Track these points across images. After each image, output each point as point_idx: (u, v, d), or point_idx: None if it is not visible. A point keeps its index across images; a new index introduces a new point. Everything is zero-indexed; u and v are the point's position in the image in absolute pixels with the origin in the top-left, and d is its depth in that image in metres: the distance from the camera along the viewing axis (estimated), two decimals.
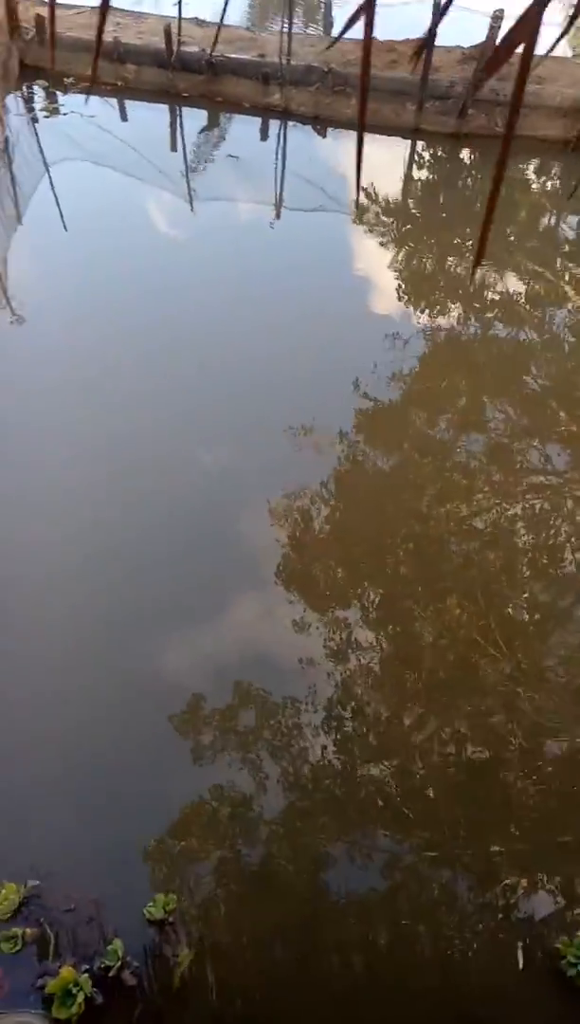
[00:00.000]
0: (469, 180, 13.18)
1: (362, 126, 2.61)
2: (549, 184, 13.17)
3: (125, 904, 4.49)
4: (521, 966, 4.43)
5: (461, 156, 13.41)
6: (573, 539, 6.90)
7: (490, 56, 1.75)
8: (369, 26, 2.31)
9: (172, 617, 6.01)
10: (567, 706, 5.63)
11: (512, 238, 11.49)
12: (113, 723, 5.35)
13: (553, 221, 12.43)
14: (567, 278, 10.80)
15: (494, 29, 11.91)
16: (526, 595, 6.42)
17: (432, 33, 3.20)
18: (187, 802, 4.97)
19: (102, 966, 4.24)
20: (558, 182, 13.10)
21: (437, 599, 6.26)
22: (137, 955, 4.34)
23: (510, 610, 6.28)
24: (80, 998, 4.11)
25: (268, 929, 4.53)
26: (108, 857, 4.72)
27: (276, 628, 6.02)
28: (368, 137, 13.22)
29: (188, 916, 4.51)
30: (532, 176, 13.19)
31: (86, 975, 4.19)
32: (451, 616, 6.14)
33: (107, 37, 13.33)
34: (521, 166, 13.07)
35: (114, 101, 13.77)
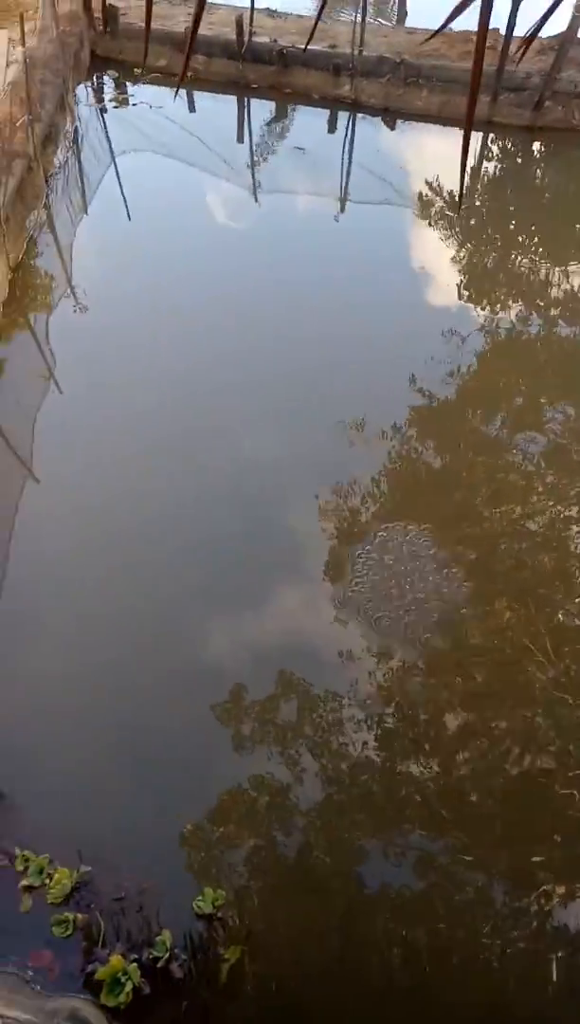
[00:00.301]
0: (539, 173, 12.76)
1: (470, 123, 2.48)
2: None
3: (174, 896, 4.49)
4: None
5: (532, 150, 13.00)
6: None
7: None
8: (485, 15, 2.17)
9: (220, 606, 6.01)
10: None
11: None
12: (167, 713, 5.36)
13: None
14: None
15: (576, 19, 11.47)
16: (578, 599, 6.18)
17: (538, 26, 2.98)
18: (238, 796, 4.95)
19: (151, 957, 4.25)
20: None
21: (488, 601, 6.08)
22: (185, 948, 4.33)
23: (561, 616, 6.06)
24: (128, 987, 4.12)
25: (315, 926, 4.46)
26: (159, 848, 4.73)
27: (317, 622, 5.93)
28: (438, 129, 12.93)
29: (236, 911, 4.47)
30: None
31: (134, 964, 4.20)
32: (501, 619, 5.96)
33: (178, 27, 13.36)
34: None
35: (182, 92, 13.80)
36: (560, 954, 4.41)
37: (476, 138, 12.94)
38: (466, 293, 9.86)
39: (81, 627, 5.82)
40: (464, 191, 12.01)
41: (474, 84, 2.23)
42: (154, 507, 6.76)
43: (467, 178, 12.34)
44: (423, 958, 4.37)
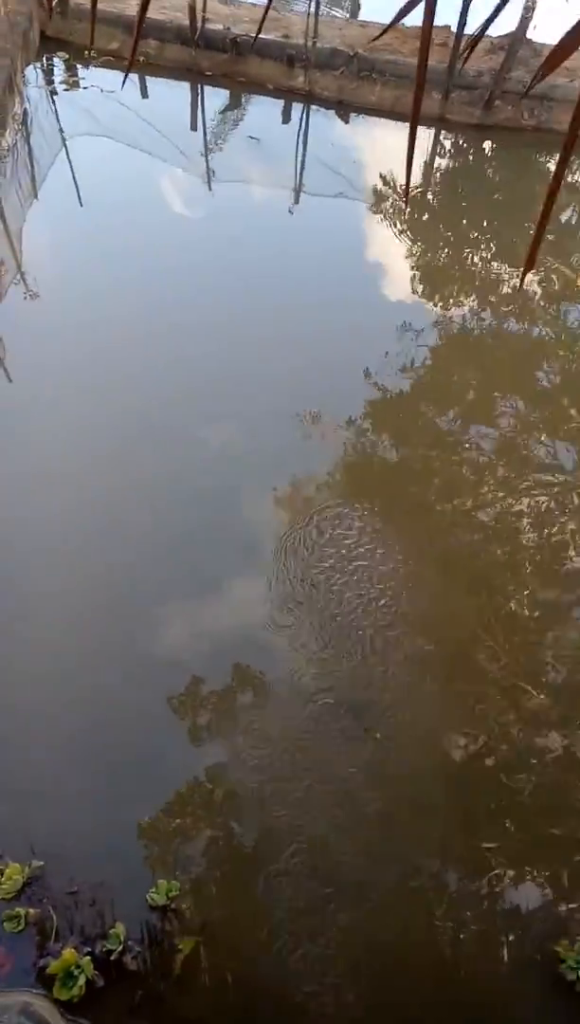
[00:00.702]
0: (490, 171, 13.00)
1: (415, 118, 2.52)
2: (572, 180, 13.00)
3: (128, 889, 4.49)
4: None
5: (483, 147, 13.23)
6: None
7: (551, 53, 1.68)
8: (430, 15, 2.21)
9: (173, 594, 5.99)
10: None
11: (529, 228, 11.35)
12: (118, 704, 5.32)
13: (570, 217, 12.29)
14: None
15: (525, 20, 11.70)
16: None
17: (485, 27, 3.05)
18: (192, 786, 4.96)
19: (104, 949, 4.24)
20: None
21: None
22: (139, 940, 4.34)
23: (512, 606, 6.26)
24: (81, 980, 4.11)
25: (270, 916, 4.52)
26: (112, 841, 4.71)
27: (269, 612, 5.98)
28: (391, 123, 13.04)
29: (191, 903, 4.50)
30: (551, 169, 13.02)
31: (88, 958, 4.19)
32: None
33: (131, 10, 13.10)
34: (543, 158, 12.90)
35: (135, 77, 13.54)
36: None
37: (428, 135, 13.10)
38: (419, 288, 10.00)
39: (33, 610, 5.72)
40: (417, 187, 12.17)
41: (419, 80, 2.27)
42: (107, 502, 6.68)
43: (419, 174, 12.49)
44: (385, 952, 4.47)
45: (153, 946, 4.34)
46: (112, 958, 4.22)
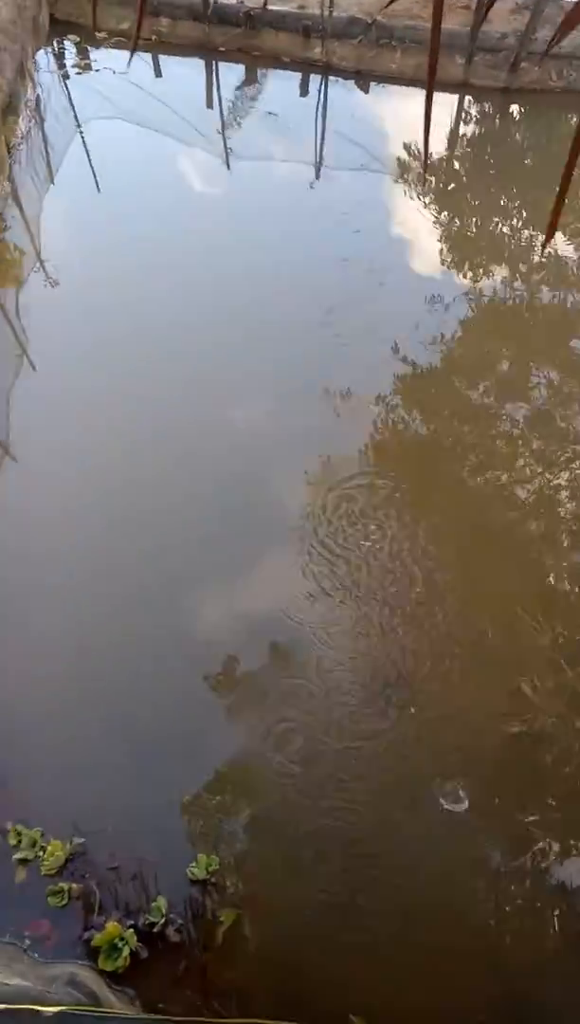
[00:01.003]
0: (518, 136, 12.61)
1: (431, 82, 2.40)
2: None
3: (169, 864, 4.54)
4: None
5: (511, 112, 12.83)
6: None
7: (568, 12, 1.58)
8: None
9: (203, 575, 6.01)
10: None
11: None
12: (154, 683, 5.37)
13: None
14: None
15: None
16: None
17: None
18: (230, 762, 4.99)
19: (147, 922, 4.31)
20: None
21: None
22: (181, 913, 4.40)
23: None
24: (125, 952, 4.18)
25: (309, 887, 4.55)
26: (151, 818, 4.77)
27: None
28: (413, 92, 12.70)
29: (231, 876, 4.54)
30: None
31: (131, 930, 4.26)
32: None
33: None
34: (572, 120, 12.45)
35: (148, 56, 13.38)
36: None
37: (452, 101, 12.74)
38: (448, 259, 9.77)
39: (66, 589, 5.79)
40: (441, 156, 11.86)
41: (434, 45, 2.16)
42: (141, 482, 6.70)
43: (445, 142, 12.17)
44: (424, 922, 4.47)
45: (195, 918, 4.40)
46: (155, 930, 4.29)
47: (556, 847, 4.75)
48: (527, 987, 4.31)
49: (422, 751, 5.10)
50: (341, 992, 4.23)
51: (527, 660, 5.61)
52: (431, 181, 11.28)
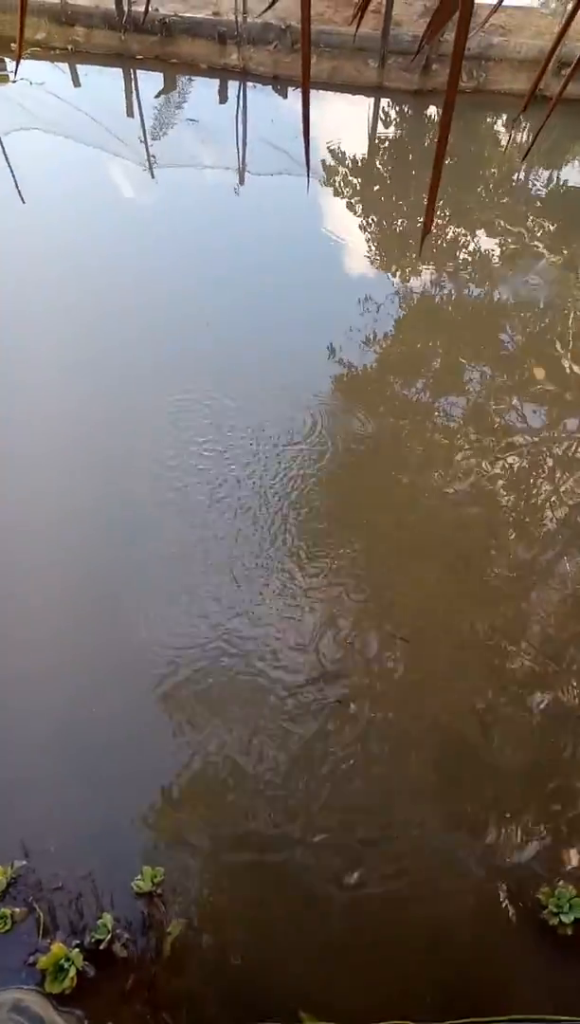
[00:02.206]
0: (435, 136, 12.91)
1: (306, 82, 2.47)
2: (519, 140, 12.97)
3: (113, 880, 4.50)
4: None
5: (427, 113, 13.14)
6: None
7: (435, 10, 1.65)
8: None
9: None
10: None
11: (483, 195, 11.33)
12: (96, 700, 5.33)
13: (521, 178, 12.28)
14: (538, 234, 10.70)
15: None
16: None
17: None
18: (171, 774, 4.99)
19: (92, 940, 4.27)
20: (525, 138, 12.90)
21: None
22: (127, 928, 4.38)
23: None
24: (72, 972, 4.13)
25: (258, 892, 4.58)
26: (93, 835, 4.72)
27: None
28: (330, 95, 12.89)
29: (176, 887, 4.54)
30: (502, 131, 12.97)
31: (77, 950, 4.21)
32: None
33: None
34: (489, 120, 12.84)
35: (65, 66, 13.27)
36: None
37: (368, 104, 12.98)
38: (376, 259, 9.95)
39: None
40: (363, 158, 12.06)
41: (305, 48, 2.22)
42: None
43: (365, 145, 12.38)
44: (371, 912, 4.54)
45: (142, 932, 4.38)
46: (101, 948, 4.25)
47: None
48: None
49: None
50: (292, 990, 4.27)
51: None
52: (354, 181, 11.48)
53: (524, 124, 13.04)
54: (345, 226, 10.52)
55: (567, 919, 4.36)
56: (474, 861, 4.72)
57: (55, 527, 6.34)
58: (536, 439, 7.45)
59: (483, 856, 4.74)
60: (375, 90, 12.75)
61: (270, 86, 13.05)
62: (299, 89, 12.96)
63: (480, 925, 4.51)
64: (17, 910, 4.36)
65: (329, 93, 12.84)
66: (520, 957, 4.42)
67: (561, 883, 4.55)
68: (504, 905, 4.57)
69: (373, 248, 10.22)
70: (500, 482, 6.98)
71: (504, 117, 13.08)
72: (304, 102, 2.29)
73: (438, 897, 4.59)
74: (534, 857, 4.75)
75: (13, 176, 10.84)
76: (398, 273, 9.73)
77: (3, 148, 11.41)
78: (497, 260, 10.00)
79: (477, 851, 4.76)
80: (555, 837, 4.85)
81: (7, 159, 11.15)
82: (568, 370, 8.28)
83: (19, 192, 10.57)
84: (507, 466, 7.12)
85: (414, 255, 9.99)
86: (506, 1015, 4.10)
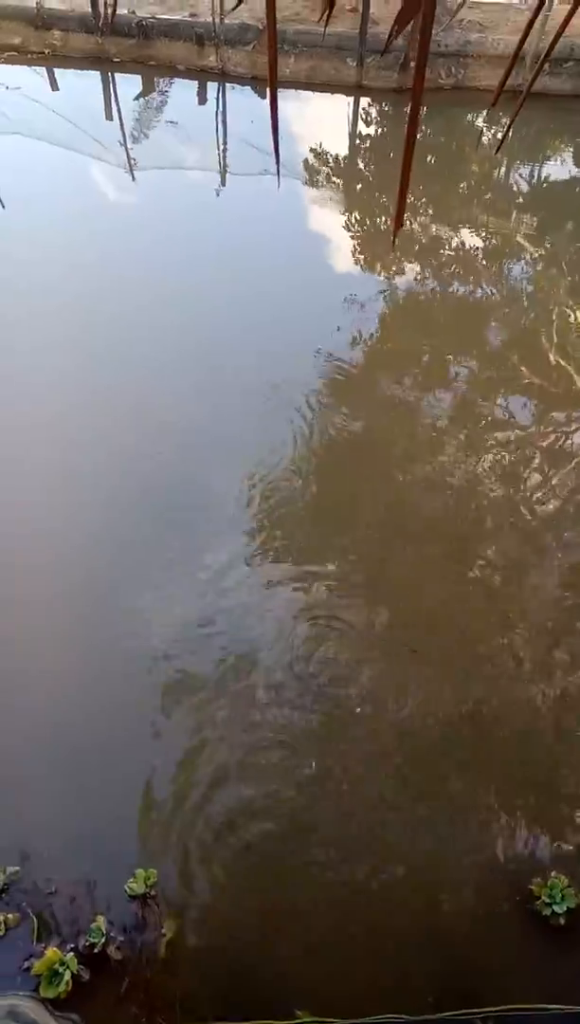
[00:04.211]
0: (418, 135, 12.94)
1: (273, 81, 2.48)
2: (496, 135, 13.03)
3: (106, 883, 4.49)
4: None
5: (407, 110, 13.17)
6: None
7: (401, 7, 1.65)
8: None
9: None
10: None
11: (463, 190, 11.38)
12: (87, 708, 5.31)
13: (501, 173, 12.34)
14: (520, 230, 10.76)
15: None
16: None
17: None
18: (162, 777, 4.98)
19: (87, 944, 4.26)
20: (501, 133, 12.97)
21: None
22: (122, 930, 4.36)
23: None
24: (67, 976, 4.12)
25: (253, 890, 4.58)
26: (85, 838, 4.71)
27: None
28: (308, 95, 12.92)
29: (170, 887, 4.53)
30: (482, 126, 13.03)
31: (71, 954, 4.20)
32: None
33: (30, 1, 12.75)
34: (470, 117, 12.90)
35: (43, 70, 13.22)
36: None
37: (348, 103, 13.02)
38: (361, 258, 9.97)
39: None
40: (345, 156, 12.08)
41: (271, 49, 2.23)
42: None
43: (346, 144, 12.41)
44: (364, 906, 4.54)
45: (136, 934, 4.37)
46: (96, 951, 4.24)
47: None
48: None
49: None
50: (288, 989, 4.27)
51: None
52: (336, 180, 11.50)
53: (504, 119, 13.10)
54: (326, 224, 10.54)
55: (559, 909, 4.38)
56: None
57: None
58: (523, 434, 7.49)
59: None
60: (355, 89, 12.79)
61: (249, 87, 13.07)
62: (279, 89, 13.03)
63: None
64: (11, 915, 4.34)
65: (309, 93, 12.87)
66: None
67: (554, 874, 4.57)
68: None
69: (354, 244, 10.24)
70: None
71: (484, 113, 13.15)
72: (271, 99, 2.30)
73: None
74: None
75: None
76: (379, 268, 9.75)
77: None
78: (476, 254, 10.05)
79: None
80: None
81: None
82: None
83: None
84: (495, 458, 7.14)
85: (394, 253, 10.02)
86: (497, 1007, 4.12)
